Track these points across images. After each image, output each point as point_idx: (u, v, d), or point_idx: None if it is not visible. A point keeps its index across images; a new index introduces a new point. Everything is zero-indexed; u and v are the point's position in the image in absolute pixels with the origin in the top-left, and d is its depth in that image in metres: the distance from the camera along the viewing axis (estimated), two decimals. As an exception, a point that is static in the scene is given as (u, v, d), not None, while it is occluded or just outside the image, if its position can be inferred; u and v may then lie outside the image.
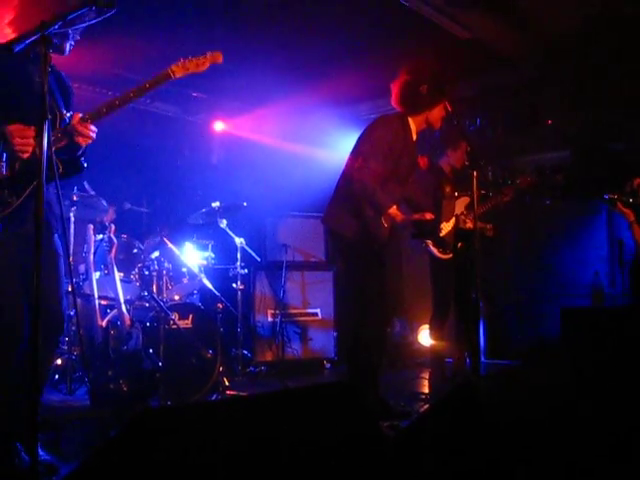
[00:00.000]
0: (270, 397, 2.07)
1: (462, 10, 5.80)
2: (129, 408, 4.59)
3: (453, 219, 4.21)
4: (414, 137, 4.47)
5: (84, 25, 3.01)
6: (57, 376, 5.62)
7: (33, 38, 2.62)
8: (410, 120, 4.44)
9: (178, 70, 3.57)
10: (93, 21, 3.02)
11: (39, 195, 2.61)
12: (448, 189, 4.15)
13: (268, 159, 8.01)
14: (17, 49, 2.53)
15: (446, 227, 4.17)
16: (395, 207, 4.17)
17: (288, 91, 7.15)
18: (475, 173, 4.07)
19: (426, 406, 4.89)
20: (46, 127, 2.62)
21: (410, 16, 5.75)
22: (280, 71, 6.74)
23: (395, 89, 4.44)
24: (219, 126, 8.42)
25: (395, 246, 4.36)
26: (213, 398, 5.25)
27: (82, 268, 5.51)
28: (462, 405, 3.05)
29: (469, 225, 4.29)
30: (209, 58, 3.59)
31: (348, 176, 4.35)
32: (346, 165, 4.41)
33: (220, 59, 3.63)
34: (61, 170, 3.23)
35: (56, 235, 3.42)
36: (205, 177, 7.74)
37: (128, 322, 4.88)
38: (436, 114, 4.41)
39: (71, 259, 3.34)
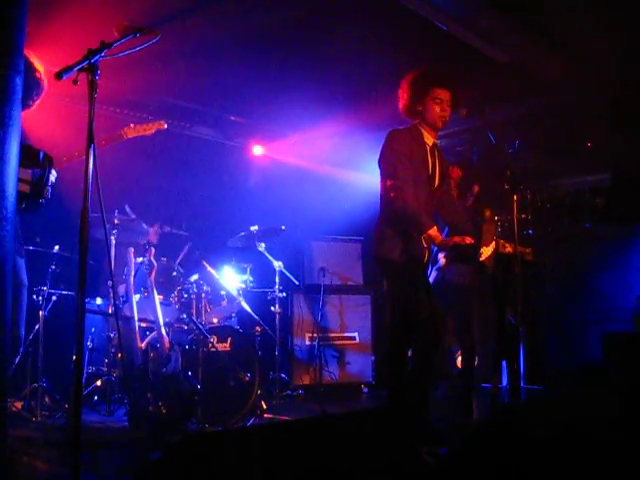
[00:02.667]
0: (309, 423, 2.06)
1: (501, 34, 5.80)
2: (167, 430, 4.62)
3: (493, 243, 4.15)
4: (429, 142, 4.43)
5: (127, 53, 3.06)
6: (96, 397, 5.67)
7: (80, 65, 2.69)
8: (422, 129, 4.43)
9: (130, 132, 4.15)
10: (137, 49, 3.08)
11: (84, 219, 2.67)
12: (488, 213, 4.10)
13: (306, 182, 8.06)
14: (65, 77, 2.59)
15: (486, 251, 4.11)
16: (435, 228, 4.15)
17: (326, 115, 7.19)
18: (515, 197, 4.06)
19: (465, 431, 4.83)
20: (91, 152, 2.69)
21: (449, 40, 5.76)
22: (318, 96, 6.79)
23: None
24: (258, 150, 8.48)
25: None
26: (251, 421, 5.24)
27: (122, 290, 5.58)
28: (502, 433, 3.01)
29: (508, 249, 4.23)
30: (156, 125, 4.29)
31: (386, 199, 4.34)
32: (381, 189, 4.41)
33: (164, 126, 4.36)
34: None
35: (23, 260, 3.63)
36: (244, 200, 7.79)
37: (167, 345, 4.92)
38: (430, 113, 4.36)
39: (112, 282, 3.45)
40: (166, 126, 4.30)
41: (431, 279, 6.37)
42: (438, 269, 6.37)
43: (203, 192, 7.66)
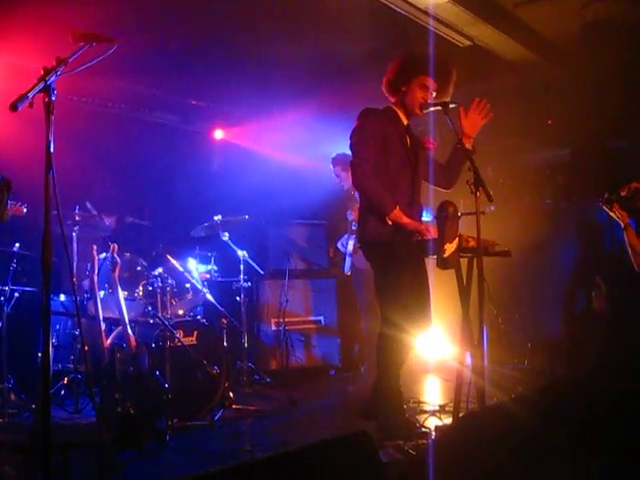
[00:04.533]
0: (284, 458, 2.08)
1: (464, 21, 5.79)
2: (137, 430, 4.60)
3: (457, 240, 4.16)
4: (404, 122, 4.45)
5: (85, 67, 2.96)
6: (63, 392, 5.63)
7: (38, 89, 2.60)
8: (396, 108, 4.44)
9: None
10: (95, 61, 2.99)
11: (47, 238, 2.63)
12: (451, 209, 4.09)
13: (268, 167, 7.99)
14: (21, 107, 2.50)
15: (450, 248, 4.11)
16: (398, 208, 4.15)
17: (288, 101, 7.15)
18: (478, 193, 4.06)
19: (429, 419, 4.91)
20: (51, 175, 2.64)
21: (411, 27, 5.74)
22: (280, 81, 6.74)
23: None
24: (219, 134, 8.42)
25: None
26: (219, 413, 5.25)
27: (86, 286, 5.51)
28: (468, 434, 3.07)
29: (472, 244, 4.24)
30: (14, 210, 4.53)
31: (355, 183, 4.34)
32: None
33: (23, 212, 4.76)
34: None
35: None
36: (206, 186, 7.71)
37: (134, 343, 4.88)
38: (412, 96, 4.35)
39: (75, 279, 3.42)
40: (25, 211, 4.66)
41: (347, 266, 6.55)
42: (350, 255, 6.46)
43: (165, 180, 7.54)
